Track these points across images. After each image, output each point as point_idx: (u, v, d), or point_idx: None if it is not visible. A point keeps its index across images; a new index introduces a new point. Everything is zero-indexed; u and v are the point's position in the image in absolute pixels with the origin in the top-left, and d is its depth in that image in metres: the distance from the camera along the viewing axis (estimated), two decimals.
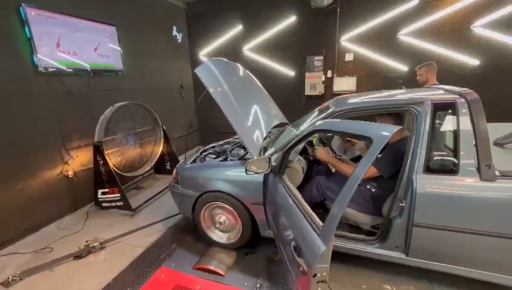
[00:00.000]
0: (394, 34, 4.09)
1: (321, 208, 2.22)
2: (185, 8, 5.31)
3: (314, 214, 1.34)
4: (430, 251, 1.70)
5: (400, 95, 1.96)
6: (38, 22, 2.76)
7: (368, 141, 1.13)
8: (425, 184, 1.61)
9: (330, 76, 4.62)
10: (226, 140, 3.11)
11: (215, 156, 2.62)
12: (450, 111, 1.65)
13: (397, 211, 1.73)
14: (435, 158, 1.65)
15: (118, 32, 3.72)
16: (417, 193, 1.60)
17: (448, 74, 3.83)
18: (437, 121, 1.69)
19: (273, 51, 4.92)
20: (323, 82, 4.62)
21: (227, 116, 2.06)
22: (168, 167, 4.18)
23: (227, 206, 2.26)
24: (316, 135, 2.46)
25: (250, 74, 3.00)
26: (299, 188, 2.01)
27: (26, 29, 2.67)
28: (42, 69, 2.82)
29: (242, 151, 2.50)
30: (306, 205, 1.49)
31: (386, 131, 1.12)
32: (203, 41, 5.40)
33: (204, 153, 2.73)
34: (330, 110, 1.97)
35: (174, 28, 4.81)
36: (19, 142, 2.69)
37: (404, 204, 1.66)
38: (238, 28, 5.04)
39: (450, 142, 1.65)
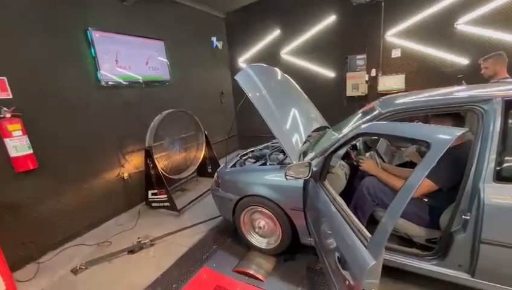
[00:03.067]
0: (450, 23, 3.66)
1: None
2: (225, 17, 5.53)
3: (360, 224, 1.25)
4: (504, 273, 1.44)
5: (461, 92, 1.73)
6: (101, 42, 3.15)
7: (425, 146, 1.01)
8: (496, 194, 1.38)
9: (374, 75, 4.32)
10: (265, 144, 3.12)
11: (254, 161, 2.64)
12: None
13: (459, 225, 1.51)
14: (507, 164, 1.41)
15: (165, 46, 4.04)
16: (485, 205, 1.38)
17: None
18: (510, 121, 1.44)
19: (312, 52, 4.81)
20: (367, 82, 4.35)
21: (265, 121, 2.07)
22: (209, 170, 4.36)
23: (267, 211, 2.25)
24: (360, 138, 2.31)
25: (288, 77, 2.96)
26: (341, 194, 1.90)
27: (92, 49, 3.07)
28: (104, 83, 3.20)
29: (281, 156, 2.47)
30: (351, 213, 1.39)
31: (447, 134, 0.98)
32: (242, 48, 5.54)
33: (243, 157, 2.78)
34: (376, 112, 1.81)
35: (214, 38, 5.03)
36: (86, 148, 3.08)
37: (468, 217, 1.44)
38: (276, 33, 5.06)
39: None
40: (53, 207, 2.79)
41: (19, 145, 2.42)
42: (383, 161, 2.58)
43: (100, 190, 3.27)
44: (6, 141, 2.37)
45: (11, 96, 2.43)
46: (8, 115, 2.37)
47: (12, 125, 2.37)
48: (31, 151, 2.50)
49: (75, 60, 2.96)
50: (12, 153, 2.40)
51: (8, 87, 2.42)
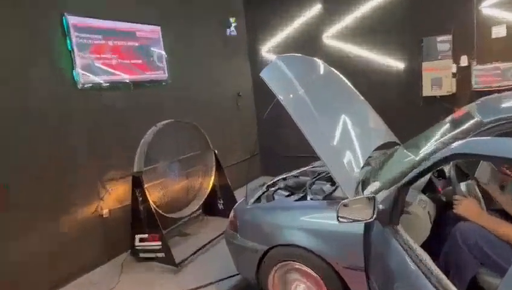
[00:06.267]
0: None
1: None
2: None
3: None
4: None
5: None
6: (80, 31, 3.41)
7: None
8: None
9: (466, 64, 4.25)
10: (302, 169, 3.12)
11: (287, 193, 2.64)
12: None
13: None
14: None
15: (162, 33, 4.29)
16: None
17: None
18: None
19: (369, 35, 4.85)
20: (454, 74, 4.29)
21: (304, 133, 2.09)
22: (220, 206, 4.41)
23: (308, 269, 2.21)
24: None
25: (335, 71, 3.00)
26: (424, 245, 1.82)
27: (68, 40, 3.33)
28: (81, 85, 3.43)
29: (328, 186, 2.46)
30: (442, 275, 1.32)
31: None
32: (267, 33, 5.72)
33: (272, 189, 2.78)
34: (474, 121, 1.80)
35: (231, 19, 5.25)
36: (53, 173, 3.23)
37: None
38: (316, 9, 5.18)
39: None
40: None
41: None
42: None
43: (69, 234, 3.35)
44: None
45: None
46: None
47: None
48: None
49: (45, 54, 3.20)
50: None
51: None
